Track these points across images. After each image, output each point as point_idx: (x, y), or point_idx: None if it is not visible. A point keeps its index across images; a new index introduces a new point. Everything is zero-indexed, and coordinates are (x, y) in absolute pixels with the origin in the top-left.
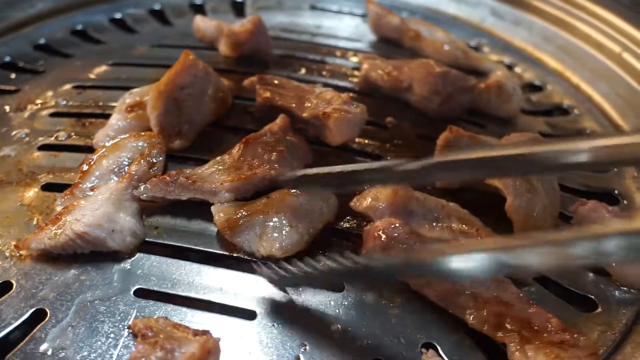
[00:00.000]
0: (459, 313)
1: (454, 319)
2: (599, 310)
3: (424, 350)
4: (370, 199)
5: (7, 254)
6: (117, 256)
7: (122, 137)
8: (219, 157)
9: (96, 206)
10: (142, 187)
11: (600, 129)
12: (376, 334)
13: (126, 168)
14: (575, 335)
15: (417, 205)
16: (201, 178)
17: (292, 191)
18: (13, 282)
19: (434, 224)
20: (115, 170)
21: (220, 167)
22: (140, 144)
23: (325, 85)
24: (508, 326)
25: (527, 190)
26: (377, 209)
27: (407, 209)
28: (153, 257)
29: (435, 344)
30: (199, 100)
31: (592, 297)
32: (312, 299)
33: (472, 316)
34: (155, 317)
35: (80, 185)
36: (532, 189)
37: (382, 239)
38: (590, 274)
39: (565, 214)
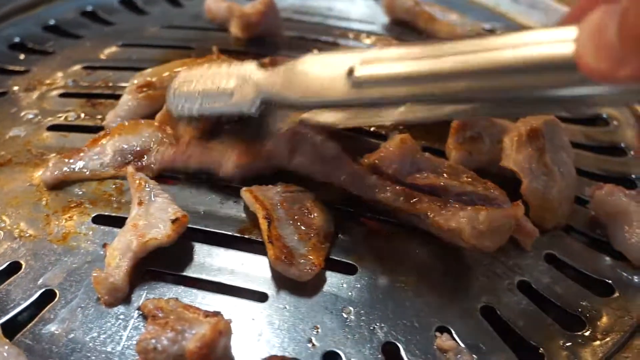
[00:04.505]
0: (370, 194)
1: (469, 303)
2: (616, 294)
3: (438, 334)
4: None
5: (16, 234)
6: None
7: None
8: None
9: None
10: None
11: (617, 113)
12: (389, 317)
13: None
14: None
15: (425, 160)
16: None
17: None
18: (22, 262)
19: (440, 175)
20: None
21: (234, 142)
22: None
23: None
24: (423, 197)
25: (544, 174)
26: (385, 159)
27: (414, 160)
28: None
29: (450, 327)
30: None
31: (609, 281)
32: (325, 281)
33: (382, 194)
34: (165, 298)
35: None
36: (548, 172)
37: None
38: (607, 259)
39: (582, 198)
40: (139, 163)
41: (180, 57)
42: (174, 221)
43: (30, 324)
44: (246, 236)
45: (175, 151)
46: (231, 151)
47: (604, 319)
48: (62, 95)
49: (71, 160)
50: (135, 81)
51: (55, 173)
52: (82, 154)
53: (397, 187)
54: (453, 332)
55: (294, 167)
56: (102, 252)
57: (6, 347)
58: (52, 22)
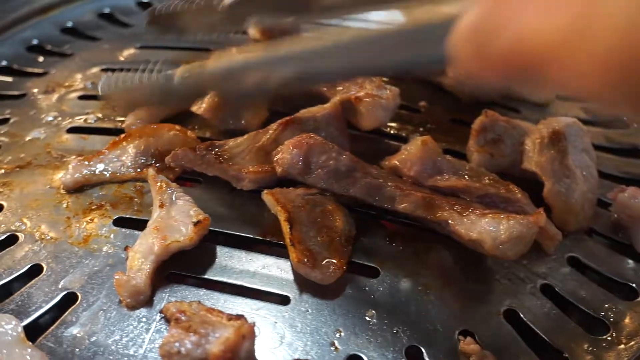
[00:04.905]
0: (389, 204)
1: (491, 307)
2: None
3: (461, 337)
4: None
5: (37, 237)
6: None
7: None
8: (255, 132)
9: None
10: (172, 154)
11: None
12: (412, 320)
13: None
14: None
15: (446, 162)
16: (230, 157)
17: None
18: (43, 265)
19: (462, 178)
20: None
21: (252, 146)
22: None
23: None
24: (443, 204)
25: (566, 176)
26: (406, 161)
27: (435, 163)
28: None
29: (473, 331)
30: None
31: (633, 285)
32: (347, 284)
33: (401, 204)
34: (188, 301)
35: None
36: (570, 175)
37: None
38: (630, 262)
39: (604, 201)
40: (160, 165)
41: (199, 59)
42: (196, 224)
43: (53, 327)
44: (268, 239)
45: (192, 160)
46: (247, 168)
47: (628, 323)
48: (81, 98)
49: (91, 163)
50: None
51: (76, 175)
52: (102, 157)
53: (417, 194)
54: (476, 335)
55: (310, 183)
56: (123, 255)
57: (29, 350)
58: (69, 24)
